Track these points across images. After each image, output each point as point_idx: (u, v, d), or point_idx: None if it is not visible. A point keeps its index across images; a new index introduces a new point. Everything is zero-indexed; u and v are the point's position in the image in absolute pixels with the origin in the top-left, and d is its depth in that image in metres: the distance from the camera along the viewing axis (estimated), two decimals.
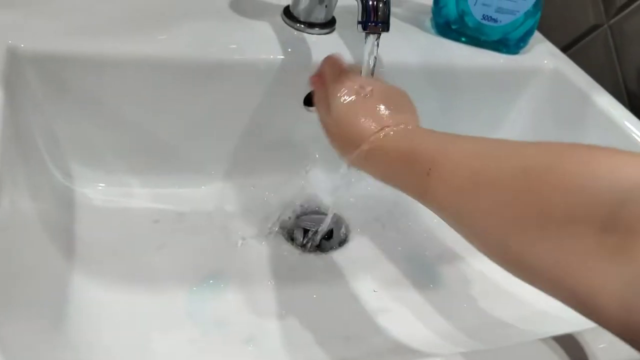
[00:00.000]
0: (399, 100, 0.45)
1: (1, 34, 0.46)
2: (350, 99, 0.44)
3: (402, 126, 0.42)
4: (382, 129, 0.41)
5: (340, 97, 0.44)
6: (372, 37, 0.47)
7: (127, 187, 0.55)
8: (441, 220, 0.38)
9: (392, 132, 0.41)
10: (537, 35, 0.65)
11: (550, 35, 0.69)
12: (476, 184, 0.34)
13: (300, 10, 0.57)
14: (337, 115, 0.44)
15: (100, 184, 0.54)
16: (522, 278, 0.32)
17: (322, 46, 0.56)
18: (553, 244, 0.29)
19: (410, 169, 0.39)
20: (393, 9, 0.64)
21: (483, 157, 0.35)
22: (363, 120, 0.43)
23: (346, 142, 0.44)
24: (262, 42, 0.55)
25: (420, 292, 0.54)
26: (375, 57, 0.47)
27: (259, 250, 0.54)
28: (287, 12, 0.58)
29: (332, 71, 0.47)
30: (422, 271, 0.56)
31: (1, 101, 0.42)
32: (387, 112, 0.43)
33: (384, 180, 0.42)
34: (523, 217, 0.31)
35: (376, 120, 0.42)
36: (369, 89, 0.45)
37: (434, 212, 0.38)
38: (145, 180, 0.56)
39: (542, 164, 0.31)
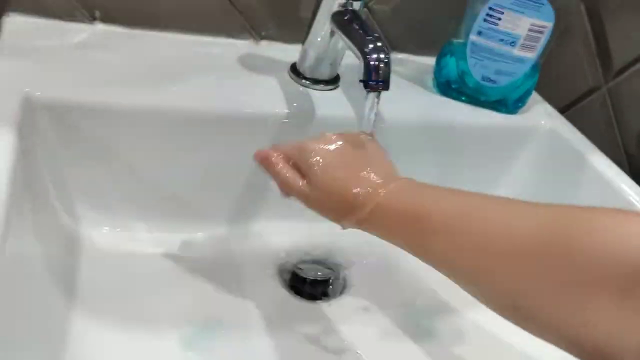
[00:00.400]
0: (374, 152, 0.45)
1: (18, 82, 0.49)
2: (329, 162, 0.43)
3: (394, 184, 0.41)
4: (376, 190, 0.41)
5: (319, 163, 0.43)
6: (372, 95, 0.48)
7: (131, 231, 0.56)
8: (436, 272, 0.38)
9: (386, 192, 0.40)
10: (535, 96, 0.67)
11: (548, 96, 0.71)
12: (482, 246, 0.35)
13: (306, 67, 0.60)
14: (324, 184, 0.42)
15: (106, 228, 0.55)
16: (535, 334, 0.33)
17: (326, 101, 0.58)
18: (570, 305, 0.30)
19: (410, 230, 0.39)
20: (397, 68, 0.67)
21: (486, 218, 0.36)
22: (354, 183, 0.41)
23: (340, 209, 0.42)
24: (268, 96, 0.57)
25: (416, 345, 0.53)
26: (376, 114, 0.49)
27: (258, 298, 0.54)
28: (294, 69, 0.61)
29: (287, 145, 0.46)
30: (418, 324, 0.56)
31: (14, 146, 0.43)
32: (373, 169, 0.42)
33: (385, 239, 0.41)
34: (536, 280, 0.32)
35: (367, 180, 0.41)
36: (337, 144, 0.44)
37: (438, 270, 0.38)
38: (149, 225, 0.57)
39: (554, 229, 0.32)
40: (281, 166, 0.45)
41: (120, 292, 0.51)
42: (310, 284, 0.57)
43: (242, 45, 0.64)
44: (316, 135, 0.45)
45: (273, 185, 0.47)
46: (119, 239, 0.55)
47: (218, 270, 0.56)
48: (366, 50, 0.49)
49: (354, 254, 0.59)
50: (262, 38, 0.65)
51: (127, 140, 0.53)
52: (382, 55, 0.49)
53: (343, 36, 0.53)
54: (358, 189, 0.41)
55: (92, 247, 0.53)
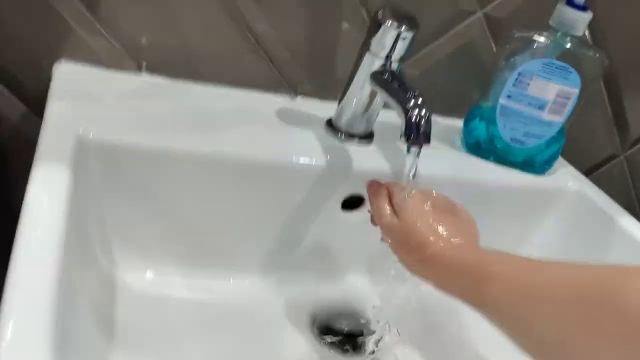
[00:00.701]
0: (465, 220, 0.50)
1: (74, 123, 0.51)
2: (420, 209, 0.48)
3: (464, 241, 0.46)
4: (440, 241, 0.45)
5: (411, 207, 0.48)
6: (413, 149, 0.50)
7: (167, 276, 0.56)
8: (474, 334, 0.39)
9: (446, 245, 0.45)
10: (561, 159, 0.70)
11: (572, 160, 0.72)
12: (534, 298, 0.37)
13: (342, 123, 0.62)
14: (408, 224, 0.47)
15: (142, 272, 0.55)
16: None
17: (361, 156, 0.60)
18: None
19: (467, 279, 0.42)
20: None
21: (539, 274, 0.38)
22: (430, 232, 0.46)
23: (409, 248, 0.47)
24: (305, 149, 0.59)
25: None
26: (416, 168, 0.51)
27: (291, 349, 0.54)
28: (330, 124, 0.63)
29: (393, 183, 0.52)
30: None
31: (69, 184, 0.45)
32: (451, 229, 0.47)
33: (442, 288, 0.45)
34: (579, 334, 0.33)
35: (440, 234, 0.46)
36: (432, 200, 0.49)
37: (490, 320, 0.40)
38: (185, 271, 0.57)
39: (597, 289, 0.33)
40: (383, 197, 0.51)
41: (156, 337, 0.51)
42: (343, 337, 0.56)
43: (279, 100, 0.66)
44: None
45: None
46: (155, 283, 0.55)
47: (251, 319, 0.56)
48: (407, 106, 0.51)
49: (388, 308, 0.59)
50: (298, 94, 0.68)
51: (167, 185, 0.55)
52: (423, 111, 0.51)
53: (384, 93, 0.55)
54: (429, 237, 0.46)
55: (128, 290, 0.53)
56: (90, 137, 0.51)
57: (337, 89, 0.63)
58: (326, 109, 0.65)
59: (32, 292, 0.35)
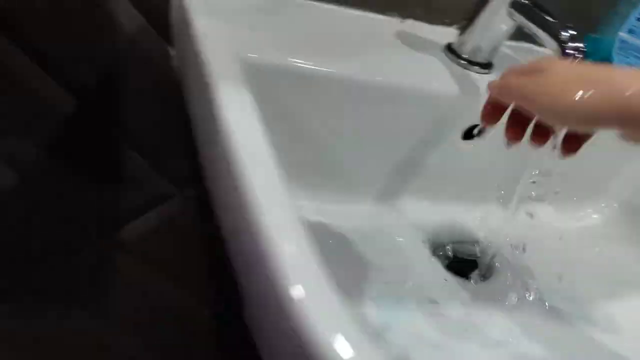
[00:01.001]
0: None
1: (233, 45, 0.50)
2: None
3: None
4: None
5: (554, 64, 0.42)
6: None
7: (294, 199, 0.56)
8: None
9: None
10: None
11: None
12: None
13: (465, 49, 0.61)
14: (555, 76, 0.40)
15: None
16: None
17: (484, 84, 0.60)
18: None
19: None
20: (529, 58, 0.70)
21: None
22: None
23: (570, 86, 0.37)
24: (427, 73, 0.59)
25: (568, 330, 0.57)
26: None
27: (416, 272, 0.56)
28: (450, 49, 0.62)
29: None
30: (567, 313, 0.59)
31: (254, 105, 0.44)
32: None
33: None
34: None
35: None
36: None
37: None
38: (310, 193, 0.57)
39: None
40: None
41: None
42: (461, 262, 0.59)
43: (390, 22, 0.65)
44: None
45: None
46: None
47: (373, 244, 0.57)
48: (562, 37, 0.51)
49: (505, 237, 0.61)
50: (408, 17, 0.66)
51: (303, 105, 0.54)
52: (579, 44, 0.51)
53: (528, 23, 0.54)
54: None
55: None
56: (248, 57, 0.49)
57: (446, 14, 0.62)
58: (437, 33, 0.64)
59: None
